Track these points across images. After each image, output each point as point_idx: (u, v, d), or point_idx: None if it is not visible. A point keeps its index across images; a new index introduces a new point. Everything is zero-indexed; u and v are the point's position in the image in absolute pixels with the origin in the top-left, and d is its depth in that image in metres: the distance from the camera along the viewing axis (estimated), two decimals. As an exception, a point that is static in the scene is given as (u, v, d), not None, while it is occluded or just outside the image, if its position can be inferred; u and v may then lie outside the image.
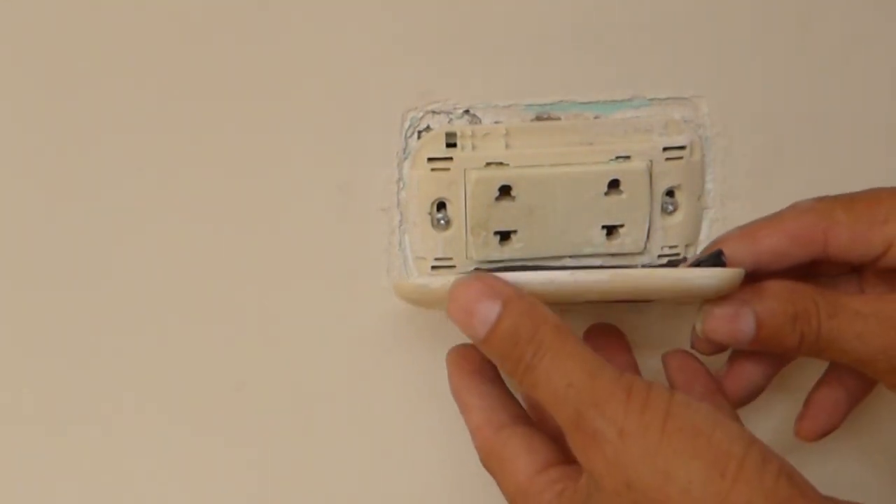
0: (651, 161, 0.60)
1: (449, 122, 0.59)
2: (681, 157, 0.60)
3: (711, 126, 0.61)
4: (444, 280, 0.54)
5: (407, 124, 0.59)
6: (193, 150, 0.59)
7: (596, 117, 0.60)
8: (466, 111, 0.59)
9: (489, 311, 0.52)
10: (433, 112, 0.59)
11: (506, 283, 0.53)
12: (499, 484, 0.55)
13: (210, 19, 0.58)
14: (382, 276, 0.61)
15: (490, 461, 0.55)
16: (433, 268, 0.60)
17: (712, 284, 0.55)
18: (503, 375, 0.55)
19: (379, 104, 0.59)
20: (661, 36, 0.59)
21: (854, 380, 0.59)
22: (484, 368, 0.56)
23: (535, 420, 0.56)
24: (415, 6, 0.58)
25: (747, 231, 0.57)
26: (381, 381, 0.62)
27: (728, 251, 0.56)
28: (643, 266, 0.61)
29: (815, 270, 0.59)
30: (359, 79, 0.59)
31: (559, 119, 0.60)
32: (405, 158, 0.60)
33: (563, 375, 0.51)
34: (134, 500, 0.63)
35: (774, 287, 0.55)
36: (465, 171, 0.59)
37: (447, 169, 0.59)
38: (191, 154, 0.59)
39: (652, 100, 0.60)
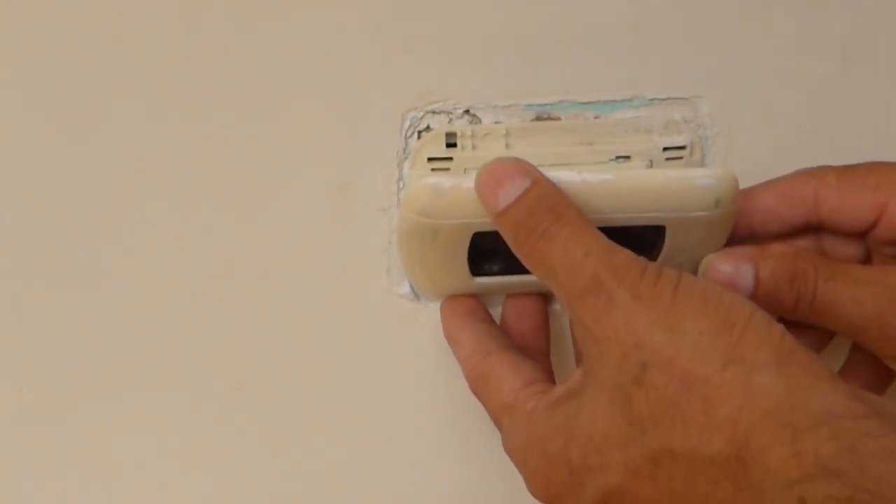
0: (651, 161, 0.59)
1: (449, 121, 0.59)
2: (681, 157, 0.60)
3: (711, 126, 0.61)
4: (456, 179, 0.55)
5: (407, 124, 0.59)
6: (192, 150, 0.59)
7: (596, 117, 0.60)
8: (466, 111, 0.59)
9: (519, 184, 0.54)
10: (433, 112, 0.59)
11: (539, 171, 0.55)
12: (485, 405, 0.57)
13: (210, 19, 0.58)
14: (382, 276, 0.61)
15: (477, 384, 0.57)
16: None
17: (711, 184, 0.55)
18: (508, 241, 0.55)
19: (379, 104, 0.59)
20: (661, 36, 0.59)
21: (869, 373, 0.60)
22: (475, 311, 0.60)
23: (521, 348, 0.58)
24: (414, 6, 0.58)
25: (743, 191, 0.57)
26: (380, 381, 0.62)
27: None
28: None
29: (821, 245, 0.59)
30: (359, 79, 0.59)
31: (559, 119, 0.60)
32: (405, 158, 0.59)
33: (582, 245, 0.52)
34: (134, 499, 0.63)
35: (776, 248, 0.57)
36: (465, 170, 0.59)
37: (447, 169, 0.59)
38: (190, 154, 0.59)
39: (652, 100, 0.60)
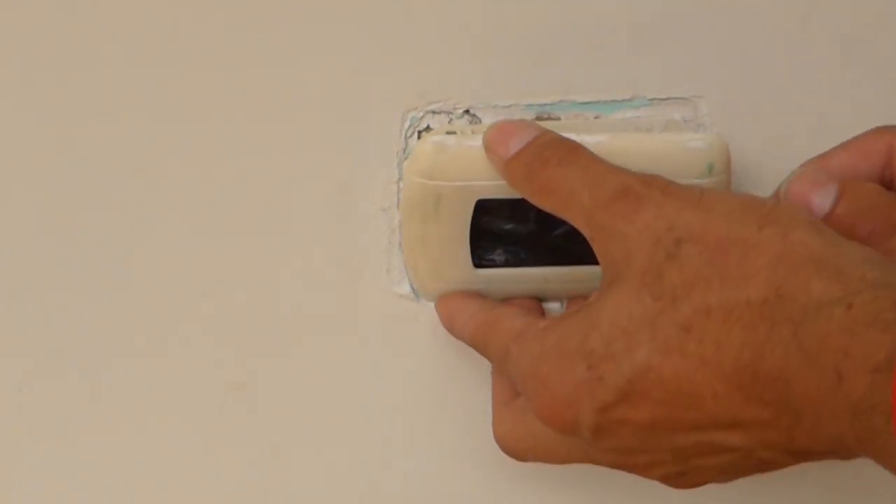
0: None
1: (449, 121, 0.59)
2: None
3: (711, 126, 0.60)
4: (460, 138, 0.56)
5: (407, 124, 0.59)
6: (192, 151, 0.59)
7: (596, 117, 0.60)
8: (466, 111, 0.59)
9: (529, 132, 0.55)
10: (433, 112, 0.59)
11: None
12: (489, 349, 0.56)
13: (209, 21, 0.57)
14: (383, 277, 0.61)
15: (481, 332, 0.57)
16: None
17: (702, 147, 0.56)
18: (519, 182, 0.55)
19: (379, 104, 0.59)
20: (660, 36, 0.59)
21: None
22: (473, 294, 0.59)
23: None
24: (414, 6, 0.58)
25: (821, 155, 0.57)
26: (380, 381, 0.62)
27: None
28: None
29: None
30: (359, 79, 0.59)
31: (559, 119, 0.60)
32: (405, 158, 0.59)
33: (604, 165, 0.54)
34: (133, 500, 0.63)
35: (869, 185, 0.56)
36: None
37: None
38: (189, 155, 0.59)
39: (652, 100, 0.60)
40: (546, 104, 0.59)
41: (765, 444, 0.50)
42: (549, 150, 0.55)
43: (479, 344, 0.57)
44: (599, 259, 0.53)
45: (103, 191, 0.59)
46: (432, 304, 0.61)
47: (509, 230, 0.58)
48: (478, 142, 0.56)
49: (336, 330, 0.61)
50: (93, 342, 0.60)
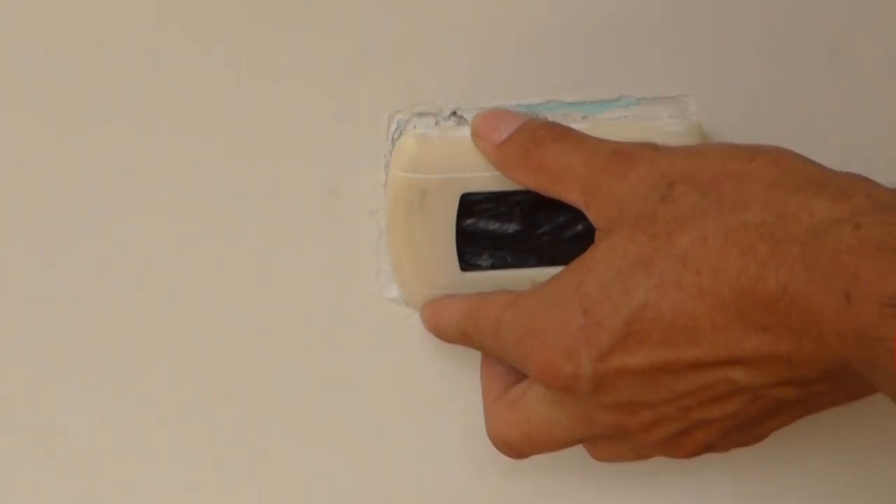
0: None
1: (436, 123, 0.59)
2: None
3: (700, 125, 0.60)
4: (443, 130, 0.57)
5: (394, 126, 0.59)
6: (180, 154, 0.59)
7: (584, 117, 0.59)
8: (454, 112, 0.59)
9: (519, 119, 0.56)
10: (420, 114, 0.59)
11: None
12: (479, 327, 0.56)
13: (197, 23, 0.57)
14: (371, 280, 0.60)
15: (469, 317, 0.56)
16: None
17: (680, 130, 0.58)
18: (513, 164, 0.56)
19: (366, 106, 0.59)
20: (648, 35, 0.59)
21: None
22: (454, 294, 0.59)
23: None
24: (400, 7, 0.58)
25: None
26: (369, 385, 0.62)
27: None
28: None
29: None
30: (345, 81, 0.58)
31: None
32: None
33: (595, 139, 0.55)
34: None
35: None
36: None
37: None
38: (177, 158, 0.59)
39: (640, 99, 0.59)
40: (533, 105, 0.59)
41: (765, 378, 0.49)
42: (542, 130, 0.55)
43: (468, 329, 0.57)
44: (594, 223, 0.53)
45: (92, 194, 0.59)
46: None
47: (494, 232, 0.58)
48: (461, 133, 0.57)
49: (324, 334, 0.61)
50: (79, 348, 0.60)
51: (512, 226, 0.58)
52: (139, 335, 0.60)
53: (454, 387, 0.61)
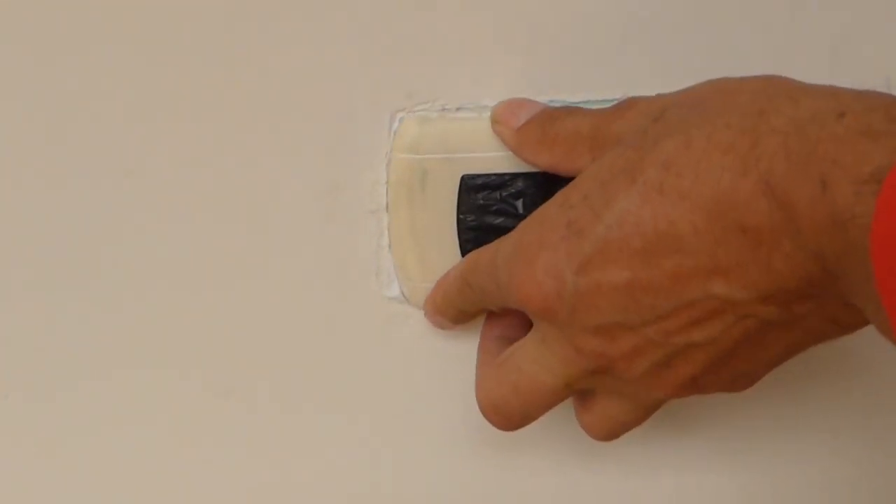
0: None
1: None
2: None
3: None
4: (442, 112, 0.58)
5: (395, 125, 0.59)
6: (179, 153, 0.59)
7: (585, 117, 0.59)
8: (455, 111, 0.59)
9: (538, 105, 0.57)
10: (421, 113, 0.59)
11: None
12: (477, 271, 0.56)
13: (197, 22, 0.57)
14: (371, 279, 0.60)
15: (468, 268, 0.56)
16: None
17: None
18: (530, 144, 0.56)
19: (367, 105, 0.59)
20: (650, 35, 0.59)
21: None
22: None
23: None
24: (401, 6, 0.58)
25: None
26: (370, 385, 0.62)
27: None
28: None
29: None
30: (346, 80, 0.58)
31: (549, 119, 0.60)
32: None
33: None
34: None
35: None
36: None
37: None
38: (177, 157, 0.59)
39: (642, 98, 0.60)
40: (535, 104, 0.59)
41: (745, 291, 0.48)
42: (559, 109, 0.56)
43: (469, 277, 0.57)
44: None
45: (90, 193, 0.58)
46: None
47: (498, 225, 0.58)
48: (462, 115, 0.58)
49: (325, 334, 0.61)
50: (77, 346, 0.60)
51: (514, 220, 0.58)
52: (139, 335, 0.60)
53: (455, 386, 0.61)
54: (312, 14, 0.58)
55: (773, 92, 0.48)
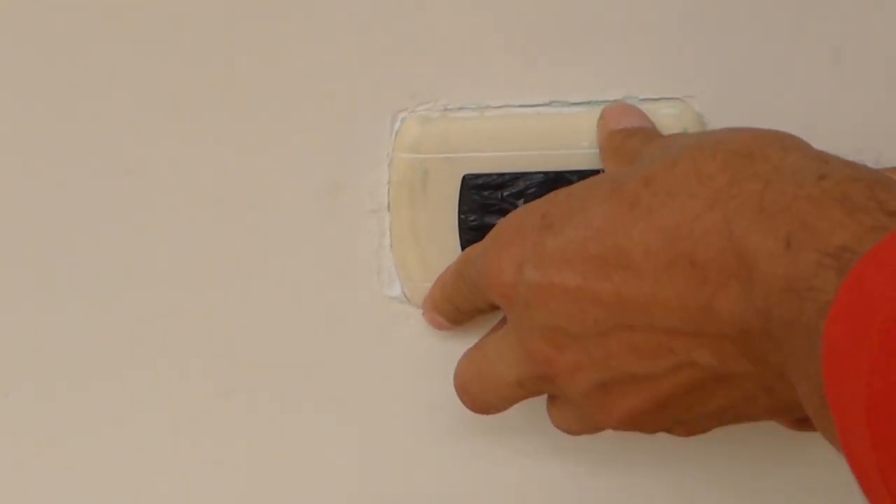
0: None
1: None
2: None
3: (703, 126, 0.60)
4: (445, 112, 0.58)
5: (397, 125, 0.59)
6: (181, 152, 0.59)
7: (587, 118, 0.60)
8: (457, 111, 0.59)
9: (644, 119, 0.58)
10: (423, 113, 0.59)
11: None
12: (470, 252, 0.56)
13: (199, 20, 0.57)
14: (373, 279, 0.60)
15: (461, 262, 0.57)
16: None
17: (675, 113, 0.59)
18: (605, 151, 0.57)
19: (368, 105, 0.59)
20: (652, 35, 0.59)
21: None
22: None
23: None
24: (403, 7, 0.58)
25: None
26: (371, 384, 0.62)
27: None
28: None
29: None
30: (348, 80, 0.58)
31: (550, 119, 0.60)
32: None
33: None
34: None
35: None
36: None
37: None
38: (178, 156, 0.59)
39: (644, 100, 0.60)
40: (537, 104, 0.59)
41: (682, 322, 0.47)
42: (644, 130, 0.56)
43: (463, 269, 0.57)
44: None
45: (90, 191, 0.58)
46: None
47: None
48: (463, 115, 0.57)
49: (326, 333, 0.61)
50: (77, 346, 0.60)
51: None
52: (139, 334, 0.60)
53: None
54: (313, 14, 0.58)
55: (771, 141, 0.48)
